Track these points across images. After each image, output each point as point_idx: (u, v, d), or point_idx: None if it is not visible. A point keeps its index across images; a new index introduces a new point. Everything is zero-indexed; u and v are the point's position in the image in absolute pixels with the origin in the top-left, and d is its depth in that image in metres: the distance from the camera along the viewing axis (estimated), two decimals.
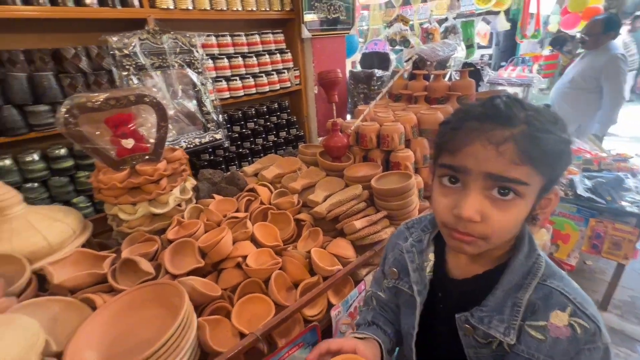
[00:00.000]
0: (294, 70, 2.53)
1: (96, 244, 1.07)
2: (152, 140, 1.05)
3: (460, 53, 1.70)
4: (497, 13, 4.29)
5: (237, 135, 2.34)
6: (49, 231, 0.88)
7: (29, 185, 1.67)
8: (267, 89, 2.38)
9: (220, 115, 2.15)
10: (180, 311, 0.67)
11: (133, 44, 1.77)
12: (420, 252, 0.62)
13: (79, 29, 1.79)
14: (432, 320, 0.61)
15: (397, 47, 3.08)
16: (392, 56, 2.87)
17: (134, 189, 1.02)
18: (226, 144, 2.22)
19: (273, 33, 2.36)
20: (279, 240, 1.00)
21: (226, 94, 2.22)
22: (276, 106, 2.52)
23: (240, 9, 2.14)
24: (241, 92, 2.27)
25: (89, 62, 1.72)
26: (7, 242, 0.83)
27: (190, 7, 1.96)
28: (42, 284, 0.85)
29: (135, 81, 1.80)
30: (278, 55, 2.40)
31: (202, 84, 2.05)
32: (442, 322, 0.58)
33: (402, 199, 1.10)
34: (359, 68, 3.15)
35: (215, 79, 2.16)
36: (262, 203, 1.13)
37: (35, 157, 1.68)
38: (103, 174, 0.99)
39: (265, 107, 2.48)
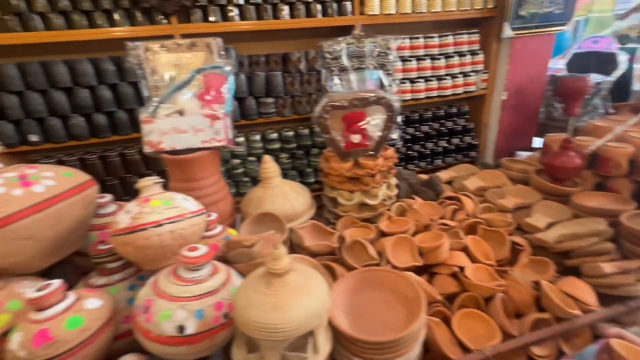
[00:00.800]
0: (483, 73, 2.32)
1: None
2: (374, 138, 1.16)
3: None
4: None
5: (409, 137, 2.34)
6: (295, 201, 1.11)
7: (250, 158, 2.17)
8: (449, 92, 2.27)
9: (399, 116, 2.20)
10: (420, 304, 0.71)
11: (341, 48, 2.00)
12: None
13: (301, 36, 2.16)
14: None
15: (630, 45, 2.37)
16: (622, 57, 2.23)
17: (353, 179, 1.15)
18: (399, 145, 2.27)
19: (468, 33, 2.22)
20: (492, 260, 0.93)
21: (408, 96, 2.25)
22: (455, 110, 2.39)
23: (439, 10, 2.10)
24: (422, 95, 2.25)
25: (306, 64, 2.06)
26: (271, 204, 1.09)
27: (393, 12, 2.06)
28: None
29: (337, 81, 2.04)
30: (469, 56, 2.25)
31: (389, 85, 2.15)
32: None
33: None
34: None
35: (401, 80, 2.21)
36: (467, 215, 1.08)
37: (257, 137, 2.16)
38: (334, 162, 1.16)
39: (443, 110, 2.38)
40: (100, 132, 1.80)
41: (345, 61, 2.04)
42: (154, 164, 1.95)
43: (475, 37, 2.25)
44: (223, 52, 1.89)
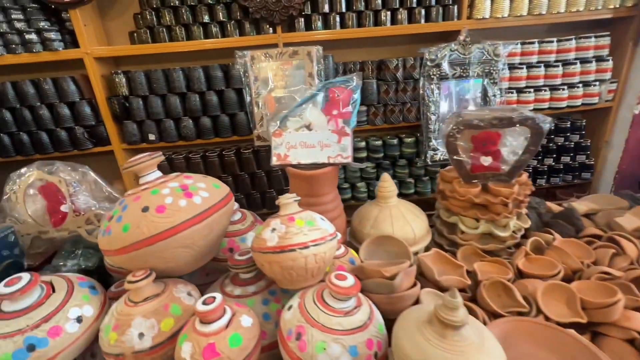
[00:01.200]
0: (611, 82, 1.98)
1: None
2: (509, 162, 1.03)
3: None
4: None
5: None
6: (415, 224, 1.04)
7: None
8: (564, 104, 1.99)
9: None
10: None
11: (444, 55, 1.87)
12: None
13: (400, 42, 2.07)
14: None
15: None
16: None
17: (480, 205, 1.04)
18: None
19: (596, 36, 1.92)
20: None
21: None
22: (568, 125, 2.09)
23: (562, 10, 1.84)
24: (530, 106, 2.01)
25: (403, 72, 1.97)
26: (389, 226, 1.03)
27: (506, 15, 1.86)
28: None
29: (436, 90, 1.92)
30: (593, 63, 1.94)
31: (494, 95, 1.95)
32: None
33: None
34: None
35: (507, 90, 2.00)
36: (632, 263, 0.90)
37: None
38: (458, 185, 1.06)
39: (553, 124, 2.10)
40: (205, 134, 1.93)
41: (446, 69, 1.91)
42: (247, 167, 2.04)
43: (605, 41, 1.93)
44: (322, 60, 1.88)
